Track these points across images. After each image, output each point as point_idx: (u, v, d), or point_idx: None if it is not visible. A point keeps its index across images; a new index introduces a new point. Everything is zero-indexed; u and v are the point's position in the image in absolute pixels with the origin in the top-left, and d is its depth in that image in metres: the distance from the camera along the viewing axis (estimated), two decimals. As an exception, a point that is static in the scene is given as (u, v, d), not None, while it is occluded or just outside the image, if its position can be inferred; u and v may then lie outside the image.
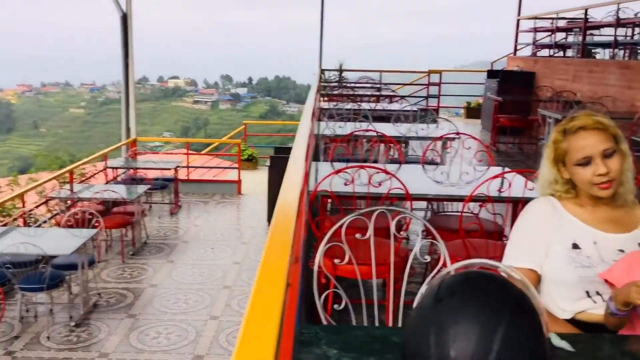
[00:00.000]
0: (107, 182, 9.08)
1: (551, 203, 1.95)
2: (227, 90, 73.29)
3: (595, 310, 1.83)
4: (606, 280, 1.76)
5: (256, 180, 10.59)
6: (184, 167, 10.41)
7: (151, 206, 9.45)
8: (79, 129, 62.81)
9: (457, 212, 3.54)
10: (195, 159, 11.99)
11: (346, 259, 2.04)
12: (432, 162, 4.51)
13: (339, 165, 3.68)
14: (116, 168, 9.43)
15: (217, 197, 10.23)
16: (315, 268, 1.94)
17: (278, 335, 0.77)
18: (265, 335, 0.76)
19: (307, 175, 3.11)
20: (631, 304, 1.59)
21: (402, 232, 2.19)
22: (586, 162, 1.83)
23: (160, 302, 6.09)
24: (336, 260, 2.08)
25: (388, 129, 5.72)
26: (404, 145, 6.22)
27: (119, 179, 9.36)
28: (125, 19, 10.03)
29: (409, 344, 1.12)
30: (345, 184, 2.83)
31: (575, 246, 1.86)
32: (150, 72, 74.03)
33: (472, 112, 13.88)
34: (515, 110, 9.55)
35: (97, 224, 6.32)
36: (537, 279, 1.92)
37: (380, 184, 2.89)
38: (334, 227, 2.00)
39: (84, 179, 9.66)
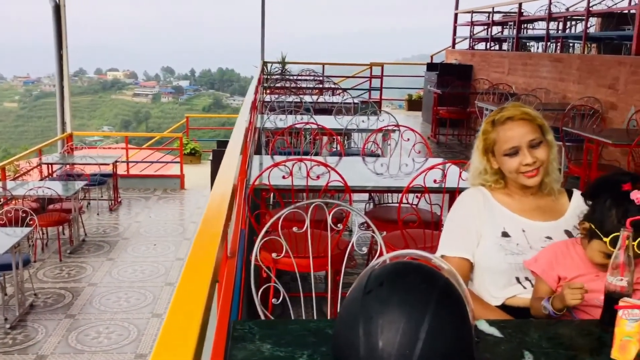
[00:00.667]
0: (42, 179, 8.77)
1: (482, 193, 2.01)
2: (168, 82, 71.85)
3: (525, 294, 1.90)
4: (531, 270, 1.83)
5: (200, 175, 10.45)
6: (123, 162, 10.16)
7: (89, 203, 9.19)
8: (12, 123, 60.26)
9: (397, 203, 3.59)
10: (136, 153, 11.72)
11: (284, 253, 2.04)
12: (372, 155, 4.56)
13: (279, 159, 3.68)
14: (51, 164, 9.12)
15: (158, 193, 10.04)
16: (252, 262, 1.93)
17: (200, 333, 0.76)
18: (185, 333, 0.75)
19: (244, 169, 3.09)
20: (567, 306, 1.65)
21: (339, 225, 2.20)
22: (514, 152, 1.89)
23: (100, 301, 5.94)
24: (273, 254, 2.08)
25: (330, 121, 5.74)
26: (346, 137, 6.27)
27: (54, 175, 9.05)
28: (58, 9, 9.67)
29: (338, 336, 1.13)
30: (284, 177, 2.83)
31: (505, 234, 1.92)
32: (88, 64, 71.77)
33: (413, 104, 14.10)
34: (454, 102, 9.76)
35: (31, 222, 6.10)
36: (470, 267, 1.97)
37: (319, 177, 2.90)
38: (270, 221, 2.00)
39: (17, 175, 9.29)
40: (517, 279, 1.90)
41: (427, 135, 10.48)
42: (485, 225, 1.94)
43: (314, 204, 2.13)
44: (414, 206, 2.92)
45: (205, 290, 0.89)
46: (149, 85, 70.32)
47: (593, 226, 1.67)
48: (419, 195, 3.17)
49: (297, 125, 4.39)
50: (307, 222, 2.05)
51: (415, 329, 1.06)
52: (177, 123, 14.14)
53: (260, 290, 1.88)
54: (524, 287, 1.90)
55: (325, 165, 2.81)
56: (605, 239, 1.63)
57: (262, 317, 1.88)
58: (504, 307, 1.92)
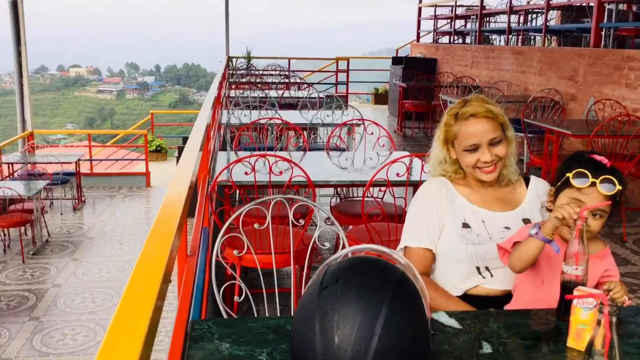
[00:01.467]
0: (2, 179, 8.54)
1: (443, 183, 2.02)
2: (133, 79, 70.73)
3: (486, 284, 1.92)
4: (500, 248, 1.82)
5: (166, 172, 10.31)
6: (86, 160, 9.97)
7: (52, 202, 8.99)
8: (-29, 122, 58.59)
9: (371, 196, 3.61)
10: (99, 151, 11.52)
11: (245, 249, 2.02)
12: (338, 149, 4.57)
13: (244, 155, 3.65)
14: (12, 163, 8.89)
15: (124, 191, 9.88)
16: (213, 260, 1.91)
17: (147, 334, 0.75)
18: (132, 334, 0.73)
19: (206, 166, 3.06)
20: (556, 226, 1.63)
21: (301, 221, 2.19)
22: (474, 149, 1.91)
23: (65, 303, 5.83)
24: (235, 252, 2.06)
25: (295, 116, 5.73)
26: (312, 132, 6.26)
27: (15, 175, 8.83)
28: (15, 4, 9.42)
29: (295, 333, 1.13)
30: (246, 174, 2.81)
31: (466, 225, 1.94)
32: (50, 61, 70.21)
33: (380, 98, 14.17)
34: (419, 95, 9.84)
35: (-9, 224, 5.95)
36: (433, 258, 1.99)
37: (281, 173, 2.89)
38: (231, 218, 1.98)
39: (-24, 176, 9.03)
40: (478, 268, 1.93)
41: (394, 128, 10.55)
42: (447, 216, 1.96)
43: (275, 200, 2.12)
44: (378, 200, 2.93)
45: (154, 290, 0.88)
46: (113, 81, 69.11)
47: (558, 184, 1.69)
48: (383, 189, 3.18)
49: (261, 121, 4.37)
50: (269, 218, 2.04)
51: (370, 324, 1.06)
52: (143, 120, 13.92)
53: (222, 288, 1.86)
54: (484, 277, 1.93)
55: (288, 161, 2.80)
56: (569, 176, 1.63)
57: (225, 316, 1.87)
58: (466, 297, 1.94)
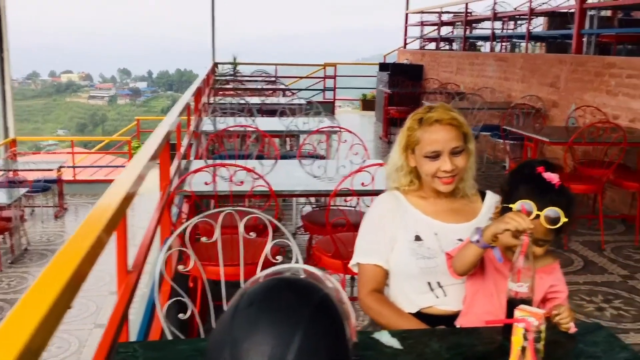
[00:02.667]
0: (-19, 187, 8.43)
1: (395, 197, 1.97)
2: (125, 84, 70.56)
3: (440, 306, 1.87)
4: (448, 257, 1.77)
5: (151, 178, 10.21)
6: (69, 167, 9.87)
7: (34, 210, 8.88)
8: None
9: (336, 206, 3.55)
10: (84, 158, 11.42)
11: (192, 263, 1.96)
12: (313, 157, 4.51)
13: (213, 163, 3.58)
14: (-8, 171, 8.77)
15: (107, 198, 9.79)
16: (156, 275, 1.85)
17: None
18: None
19: (167, 176, 2.99)
20: (497, 239, 1.58)
21: (252, 233, 2.13)
22: (435, 156, 1.85)
23: (39, 313, 5.74)
24: (180, 267, 2.00)
25: (274, 123, 5.67)
26: (292, 139, 6.20)
27: (-5, 182, 8.71)
28: (-3, 11, 9.34)
29: (208, 359, 1.06)
30: (206, 184, 2.75)
31: (418, 238, 1.89)
32: (41, 67, 69.97)
33: (367, 104, 14.13)
34: (404, 102, 9.80)
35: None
36: (385, 274, 1.93)
37: (242, 182, 2.82)
38: (177, 231, 1.92)
39: (-44, 183, 8.91)
40: (429, 284, 1.87)
41: (379, 135, 10.51)
42: (399, 230, 1.91)
43: (224, 212, 2.06)
44: (342, 209, 2.87)
45: (38, 316, 0.81)
46: (105, 87, 68.94)
47: (504, 204, 1.63)
48: (348, 198, 3.13)
49: (234, 128, 4.30)
50: (218, 231, 1.98)
51: (283, 351, 1.00)
52: (129, 126, 13.83)
53: (167, 305, 1.80)
54: (437, 297, 1.87)
55: (249, 170, 2.74)
56: (512, 207, 1.58)
57: (169, 335, 1.80)
58: (420, 315, 1.88)
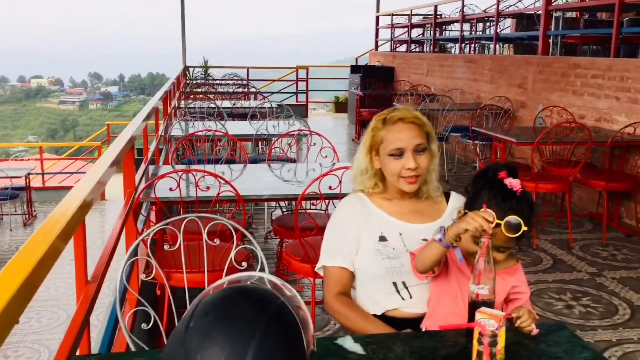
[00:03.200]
0: (-53, 196, 8.23)
1: (360, 199, 1.97)
2: (96, 89, 69.61)
3: (406, 308, 1.87)
4: (412, 256, 1.78)
5: (122, 184, 10.09)
6: (37, 173, 9.70)
7: (2, 218, 8.70)
8: None
9: (304, 210, 3.54)
10: (54, 164, 11.22)
11: (154, 271, 1.93)
12: (281, 160, 4.49)
13: (181, 168, 3.54)
14: (-43, 179, 8.57)
15: (77, 205, 9.64)
16: (118, 285, 1.81)
17: None
18: None
19: (131, 182, 2.95)
20: (459, 239, 1.59)
21: (216, 240, 2.10)
22: (399, 153, 1.86)
23: (7, 323, 5.61)
24: (142, 276, 1.96)
25: (245, 127, 5.64)
26: (263, 143, 6.17)
27: (-39, 190, 8.51)
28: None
29: (161, 373, 1.04)
30: (171, 190, 2.71)
31: (382, 238, 1.90)
32: (10, 72, 68.68)
33: (340, 106, 14.16)
34: (376, 103, 9.83)
35: None
36: (350, 276, 1.93)
37: (208, 188, 2.80)
38: (139, 239, 1.88)
39: None
40: (395, 284, 1.87)
41: (352, 137, 10.53)
42: (364, 232, 1.92)
43: (187, 219, 2.03)
44: (309, 213, 2.86)
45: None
46: (75, 92, 67.88)
47: (466, 210, 1.64)
48: (317, 201, 3.12)
49: (203, 133, 4.26)
50: (180, 237, 1.95)
51: (237, 361, 0.98)
52: (100, 130, 13.64)
53: (129, 315, 1.76)
54: (403, 298, 1.87)
55: (215, 175, 2.71)
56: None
57: (131, 346, 1.77)
58: (385, 318, 1.88)
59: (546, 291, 4.12)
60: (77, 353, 1.52)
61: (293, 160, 4.94)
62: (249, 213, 3.92)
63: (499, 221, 1.52)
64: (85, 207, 1.44)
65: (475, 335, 1.25)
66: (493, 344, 0.99)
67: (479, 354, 0.99)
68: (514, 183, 1.59)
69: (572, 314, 3.79)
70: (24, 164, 10.10)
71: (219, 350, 0.99)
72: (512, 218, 1.54)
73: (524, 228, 1.54)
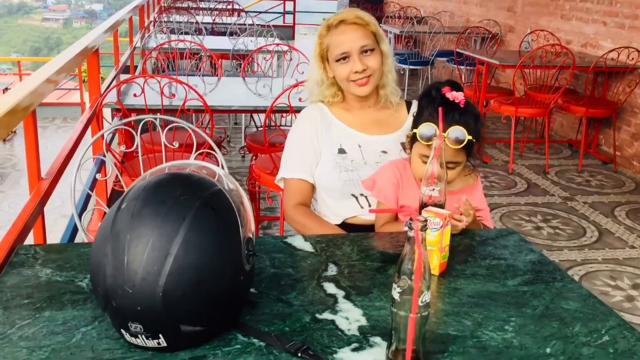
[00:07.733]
0: None
1: (319, 110, 1.94)
2: (80, 6, 67.38)
3: (363, 216, 1.88)
4: (364, 183, 1.79)
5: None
6: (16, 89, 9.49)
7: (-19, 134, 8.59)
8: None
9: (274, 126, 3.51)
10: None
11: (109, 174, 1.91)
12: (257, 75, 4.41)
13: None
14: None
15: (57, 122, 9.50)
16: (72, 184, 1.80)
17: None
18: None
19: (97, 88, 2.88)
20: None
21: (175, 143, 2.06)
22: (344, 57, 1.81)
23: (-14, 236, 5.64)
24: (98, 175, 1.94)
25: (223, 42, 5.51)
26: (247, 60, 6.03)
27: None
28: None
29: (91, 257, 1.04)
30: (135, 95, 2.65)
31: (342, 151, 1.88)
32: (-10, -14, 66.03)
33: (328, 29, 13.81)
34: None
35: None
36: (310, 188, 1.92)
37: (174, 95, 2.73)
38: (94, 138, 1.85)
39: None
40: (354, 195, 1.87)
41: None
42: (323, 143, 1.89)
43: (144, 120, 1.99)
44: (280, 127, 2.82)
45: None
46: (59, 9, 65.67)
47: (413, 130, 1.62)
48: (282, 115, 3.07)
49: (177, 45, 4.14)
50: (137, 139, 1.91)
51: (166, 243, 0.98)
52: (82, 48, 13.25)
53: (85, 213, 1.76)
54: (362, 207, 1.87)
55: (181, 82, 2.64)
56: (416, 132, 1.57)
57: (86, 240, 1.77)
58: (345, 226, 1.89)
59: (517, 213, 4.18)
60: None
61: (270, 77, 4.85)
62: (222, 128, 3.88)
63: (443, 134, 1.49)
64: (34, 96, 1.39)
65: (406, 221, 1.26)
66: (424, 228, 0.99)
67: (409, 239, 0.99)
68: (456, 95, 1.55)
69: (540, 235, 3.86)
70: (2, 79, 9.87)
71: (148, 231, 0.98)
72: (455, 129, 1.52)
73: (468, 137, 1.52)
